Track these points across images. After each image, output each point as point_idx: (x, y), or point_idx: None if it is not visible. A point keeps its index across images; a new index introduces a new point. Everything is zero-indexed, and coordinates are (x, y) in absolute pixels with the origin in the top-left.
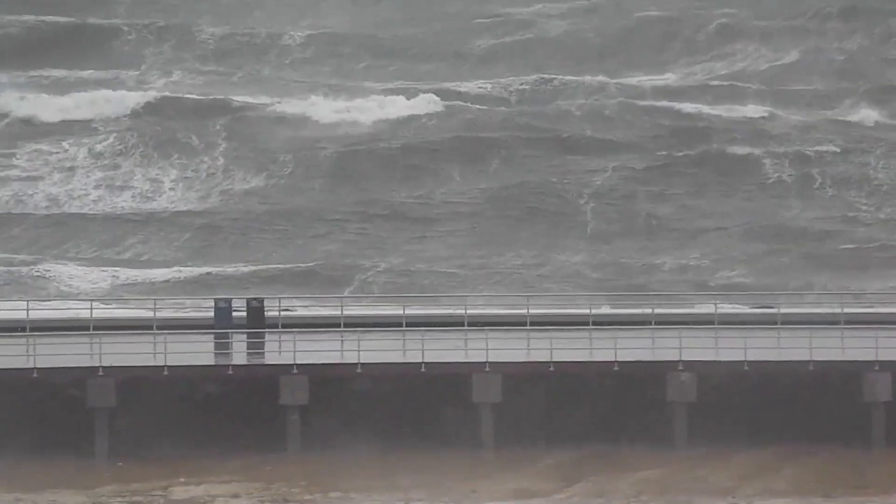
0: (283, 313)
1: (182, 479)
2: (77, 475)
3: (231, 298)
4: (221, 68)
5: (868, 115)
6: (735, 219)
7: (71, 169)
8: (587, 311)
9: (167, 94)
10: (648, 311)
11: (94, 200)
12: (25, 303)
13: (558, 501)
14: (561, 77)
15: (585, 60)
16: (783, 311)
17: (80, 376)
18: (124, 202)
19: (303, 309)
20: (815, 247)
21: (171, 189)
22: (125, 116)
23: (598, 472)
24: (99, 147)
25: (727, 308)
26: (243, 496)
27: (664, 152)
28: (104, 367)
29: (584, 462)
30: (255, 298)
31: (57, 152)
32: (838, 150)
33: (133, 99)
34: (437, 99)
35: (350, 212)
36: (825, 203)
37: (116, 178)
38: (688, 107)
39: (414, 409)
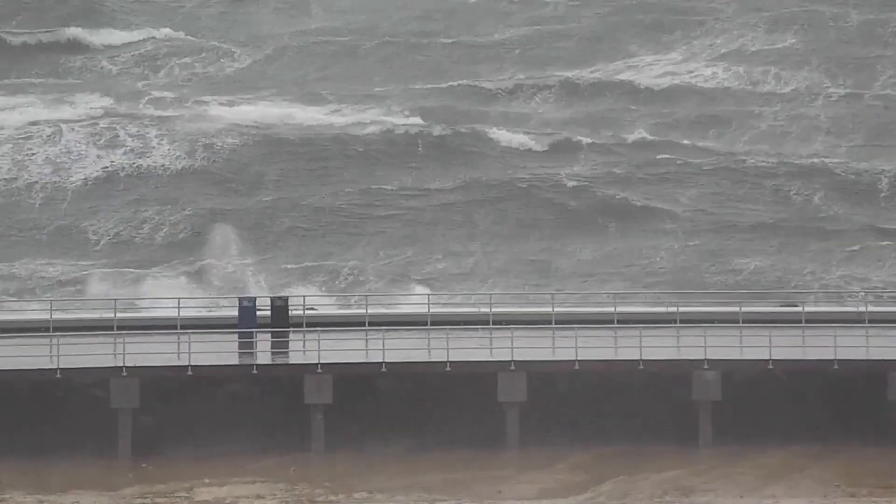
0: (307, 312)
1: (206, 480)
2: (100, 476)
3: (255, 297)
4: None
5: None
6: None
7: None
8: (612, 309)
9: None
10: (673, 309)
11: None
12: (49, 303)
13: (584, 501)
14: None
15: None
16: (808, 309)
17: (104, 376)
18: None
19: (327, 308)
20: None
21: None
22: None
23: (623, 471)
24: None
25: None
26: (267, 497)
27: None
28: (128, 367)
29: (609, 461)
30: (279, 297)
31: None
32: None
33: None
34: None
35: None
36: None
37: None
38: None
39: (439, 408)
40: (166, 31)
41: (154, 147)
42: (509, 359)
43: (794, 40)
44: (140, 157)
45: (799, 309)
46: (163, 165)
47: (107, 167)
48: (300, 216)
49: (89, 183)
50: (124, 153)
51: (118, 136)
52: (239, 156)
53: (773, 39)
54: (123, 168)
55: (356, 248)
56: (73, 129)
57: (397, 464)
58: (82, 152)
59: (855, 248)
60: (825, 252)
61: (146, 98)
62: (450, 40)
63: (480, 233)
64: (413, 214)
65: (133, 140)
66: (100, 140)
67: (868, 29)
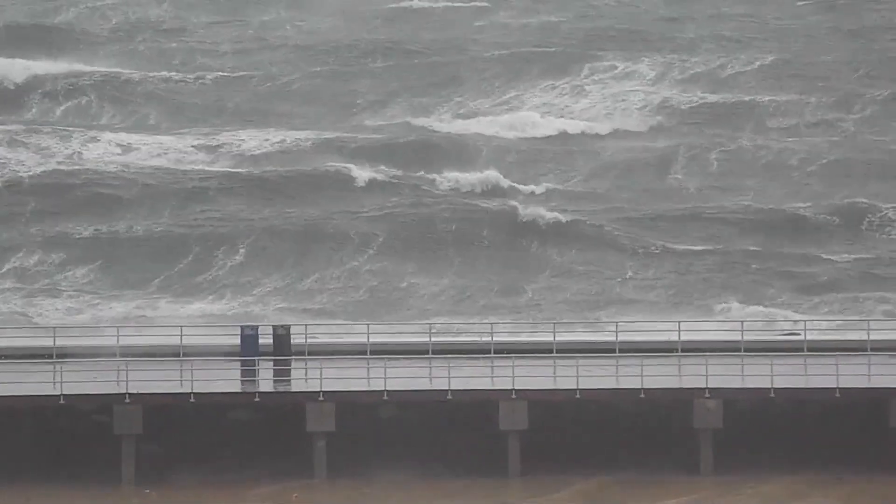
0: (309, 340)
1: None
2: (104, 502)
3: (258, 326)
4: None
5: None
6: None
7: None
8: (612, 338)
9: None
10: (674, 338)
11: None
12: (52, 329)
13: None
14: None
15: None
16: (809, 337)
17: (107, 403)
18: None
19: (329, 336)
20: None
21: None
22: None
23: (624, 500)
24: None
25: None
26: None
27: None
28: (131, 394)
29: (610, 489)
30: (281, 326)
31: None
32: None
33: None
34: None
35: None
36: None
37: None
38: None
39: (440, 436)
40: None
41: None
42: (511, 387)
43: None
44: None
45: (800, 337)
46: None
47: None
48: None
49: None
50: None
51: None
52: None
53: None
54: None
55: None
56: None
57: (399, 492)
58: None
59: None
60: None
61: None
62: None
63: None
64: None
65: None
66: None
67: None
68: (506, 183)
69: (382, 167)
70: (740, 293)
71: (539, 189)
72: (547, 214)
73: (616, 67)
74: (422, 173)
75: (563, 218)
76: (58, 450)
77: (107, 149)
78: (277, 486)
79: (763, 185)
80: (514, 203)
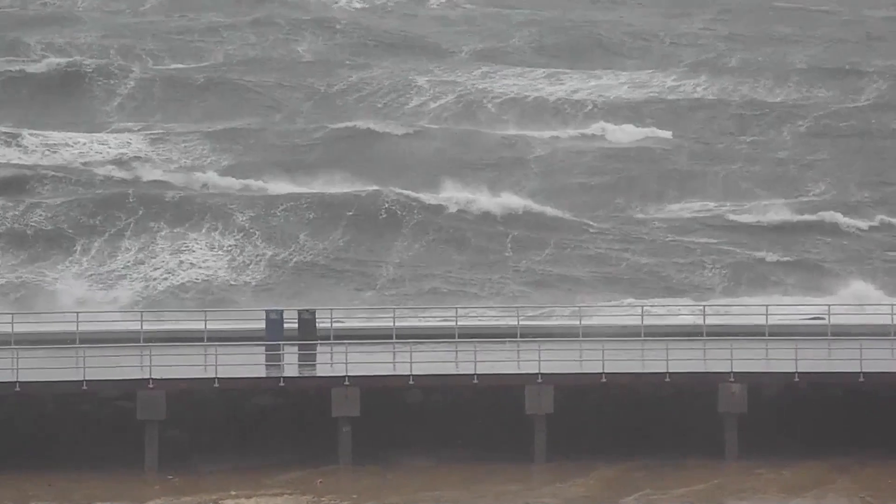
0: (334, 325)
1: (233, 492)
2: (127, 488)
3: (282, 310)
4: None
5: None
6: None
7: None
8: (639, 321)
9: None
10: (700, 321)
11: None
12: (75, 315)
13: None
14: None
15: None
16: (834, 321)
17: (130, 388)
18: None
19: (354, 320)
20: None
21: None
22: None
23: (649, 484)
24: None
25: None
26: None
27: None
28: (154, 380)
29: (635, 473)
30: (306, 310)
31: None
32: None
33: None
34: None
35: None
36: None
37: None
38: None
39: (466, 420)
40: None
41: None
42: (536, 371)
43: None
44: None
45: (825, 321)
46: None
47: None
48: None
49: None
50: None
51: None
52: None
53: None
54: None
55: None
56: None
57: (424, 476)
58: None
59: None
60: None
61: None
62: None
63: None
64: None
65: None
66: None
67: None
68: None
69: None
70: None
71: None
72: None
73: None
74: None
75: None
76: (81, 436)
77: None
78: (302, 472)
79: None
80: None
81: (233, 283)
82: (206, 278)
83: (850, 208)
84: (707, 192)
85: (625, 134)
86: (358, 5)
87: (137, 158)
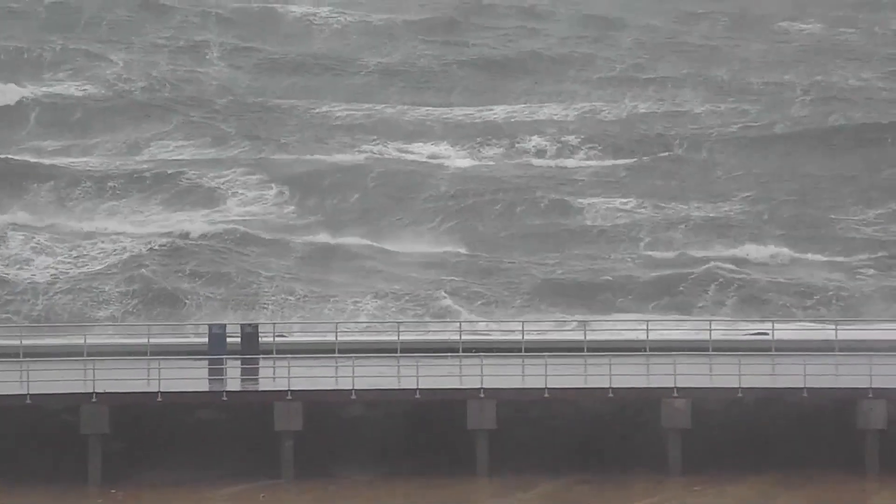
0: (277, 339)
1: None
2: (70, 502)
3: (225, 324)
4: None
5: None
6: None
7: None
8: (581, 336)
9: None
10: (643, 336)
11: None
12: (18, 329)
13: None
14: None
15: None
16: (777, 337)
17: (74, 402)
18: None
19: (297, 335)
20: None
21: None
22: None
23: (592, 499)
24: None
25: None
26: None
27: None
28: (98, 394)
29: (578, 488)
30: (249, 324)
31: None
32: None
33: None
34: None
35: None
36: None
37: None
38: None
39: (408, 435)
40: None
41: None
42: (479, 386)
43: None
44: None
45: (768, 337)
46: None
47: None
48: None
49: None
50: None
51: None
52: None
53: None
54: None
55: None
56: None
57: (367, 491)
58: None
59: None
60: None
61: None
62: None
63: None
64: None
65: None
66: None
67: None
68: None
69: None
70: None
71: None
72: None
73: None
74: None
75: None
76: (24, 449)
77: None
78: (245, 486)
79: None
80: None
81: None
82: None
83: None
84: None
85: None
86: None
87: None
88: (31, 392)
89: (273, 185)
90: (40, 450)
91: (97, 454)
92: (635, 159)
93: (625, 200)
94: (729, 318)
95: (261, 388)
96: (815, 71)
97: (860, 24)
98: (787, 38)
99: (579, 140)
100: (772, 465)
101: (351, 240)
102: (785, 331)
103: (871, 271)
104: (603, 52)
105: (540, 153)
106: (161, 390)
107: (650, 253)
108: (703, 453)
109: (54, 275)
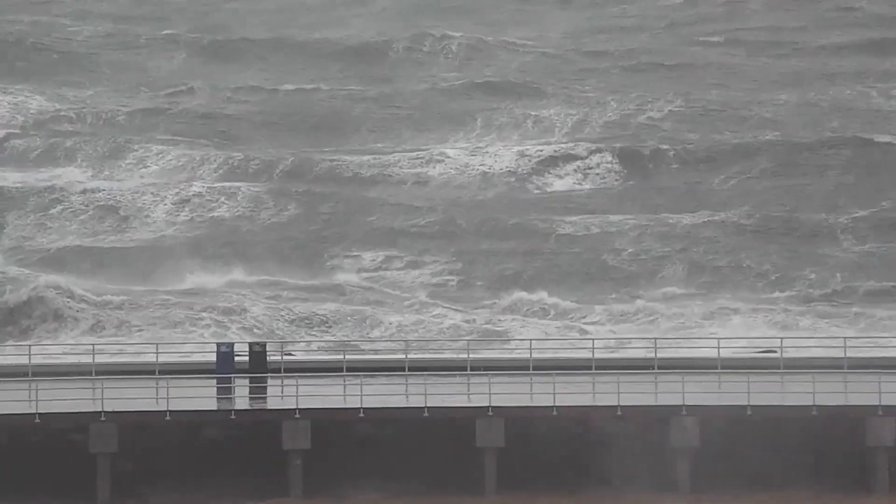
0: (285, 357)
1: None
2: None
3: (233, 343)
4: None
5: None
6: None
7: None
8: (590, 355)
9: None
10: (651, 355)
11: None
12: (27, 347)
13: None
14: None
15: None
16: (786, 355)
17: (82, 421)
18: None
19: (305, 353)
20: None
21: None
22: None
23: None
24: None
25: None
26: None
27: None
28: (106, 412)
29: None
30: (257, 343)
31: None
32: None
33: None
34: None
35: None
36: None
37: None
38: None
39: (417, 453)
40: None
41: None
42: (487, 404)
43: None
44: None
45: (777, 354)
46: None
47: None
48: None
49: None
50: None
51: None
52: None
53: None
54: None
55: None
56: None
57: None
58: None
59: None
60: None
61: None
62: None
63: None
64: None
65: None
66: None
67: None
68: None
69: None
70: None
71: None
72: None
73: None
74: None
75: None
76: (33, 469)
77: None
78: None
79: None
80: None
81: None
82: None
83: None
84: None
85: None
86: None
87: None
88: (39, 411)
89: None
90: (49, 469)
91: (105, 473)
92: None
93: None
94: (738, 337)
95: (269, 407)
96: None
97: None
98: None
99: None
100: (781, 483)
101: None
102: (794, 348)
103: None
104: None
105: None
106: (169, 409)
107: None
108: (711, 471)
109: None
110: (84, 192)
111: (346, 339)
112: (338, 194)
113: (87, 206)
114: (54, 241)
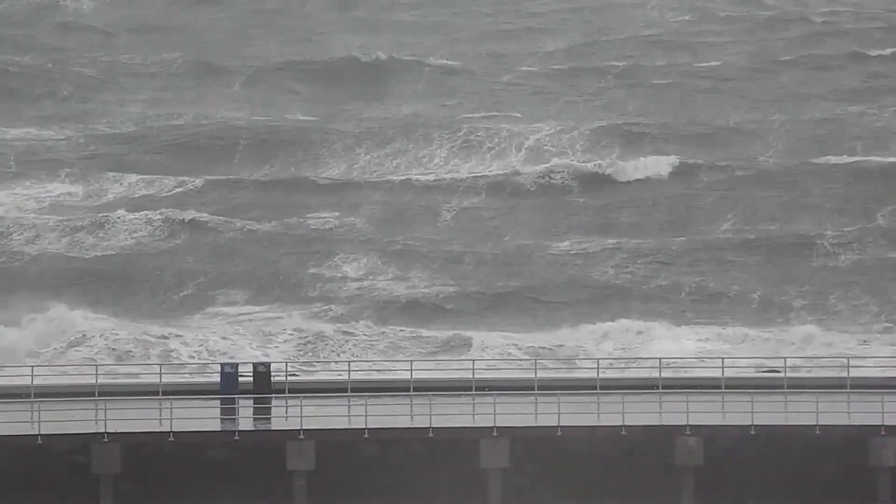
0: (289, 378)
1: None
2: None
3: (237, 363)
4: None
5: None
6: None
7: None
8: (594, 374)
9: None
10: (655, 374)
11: None
12: (30, 368)
13: None
14: None
15: None
16: (789, 374)
17: (85, 442)
18: None
19: (309, 373)
20: None
21: None
22: None
23: None
24: None
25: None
26: None
27: None
28: (109, 433)
29: None
30: (261, 363)
31: None
32: None
33: None
34: None
35: None
36: None
37: None
38: None
39: (421, 474)
40: None
41: None
42: (492, 425)
43: None
44: None
45: (780, 374)
46: None
47: None
48: None
49: None
50: None
51: None
52: None
53: None
54: None
55: None
56: None
57: None
58: None
59: None
60: None
61: None
62: None
63: None
64: None
65: None
66: None
67: None
68: None
69: None
70: None
71: None
72: None
73: None
74: None
75: None
76: (35, 490)
77: None
78: None
79: None
80: None
81: None
82: None
83: None
84: None
85: None
86: None
87: None
88: (41, 432)
89: None
90: (51, 490)
91: (108, 494)
92: None
93: None
94: (741, 357)
95: (273, 428)
96: None
97: None
98: None
99: None
100: (784, 502)
101: None
102: (797, 368)
103: None
104: None
105: None
106: (173, 430)
107: None
108: (715, 491)
109: None
110: None
111: (350, 359)
112: None
113: None
114: None
